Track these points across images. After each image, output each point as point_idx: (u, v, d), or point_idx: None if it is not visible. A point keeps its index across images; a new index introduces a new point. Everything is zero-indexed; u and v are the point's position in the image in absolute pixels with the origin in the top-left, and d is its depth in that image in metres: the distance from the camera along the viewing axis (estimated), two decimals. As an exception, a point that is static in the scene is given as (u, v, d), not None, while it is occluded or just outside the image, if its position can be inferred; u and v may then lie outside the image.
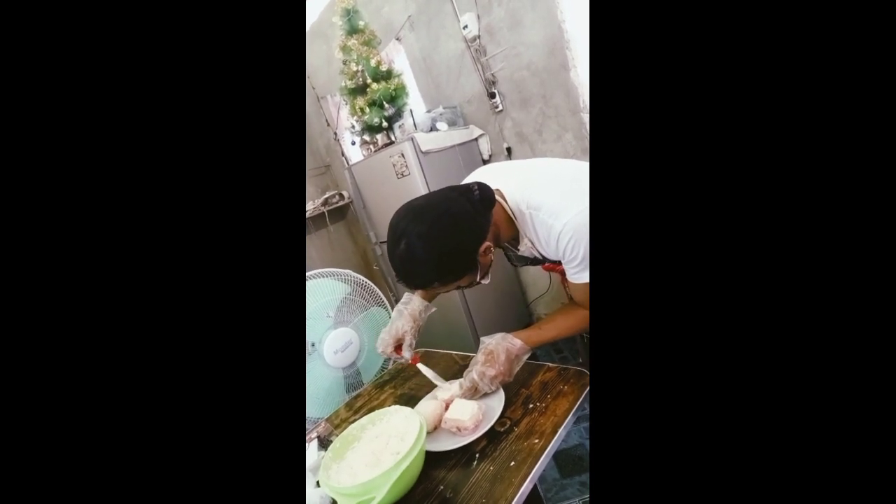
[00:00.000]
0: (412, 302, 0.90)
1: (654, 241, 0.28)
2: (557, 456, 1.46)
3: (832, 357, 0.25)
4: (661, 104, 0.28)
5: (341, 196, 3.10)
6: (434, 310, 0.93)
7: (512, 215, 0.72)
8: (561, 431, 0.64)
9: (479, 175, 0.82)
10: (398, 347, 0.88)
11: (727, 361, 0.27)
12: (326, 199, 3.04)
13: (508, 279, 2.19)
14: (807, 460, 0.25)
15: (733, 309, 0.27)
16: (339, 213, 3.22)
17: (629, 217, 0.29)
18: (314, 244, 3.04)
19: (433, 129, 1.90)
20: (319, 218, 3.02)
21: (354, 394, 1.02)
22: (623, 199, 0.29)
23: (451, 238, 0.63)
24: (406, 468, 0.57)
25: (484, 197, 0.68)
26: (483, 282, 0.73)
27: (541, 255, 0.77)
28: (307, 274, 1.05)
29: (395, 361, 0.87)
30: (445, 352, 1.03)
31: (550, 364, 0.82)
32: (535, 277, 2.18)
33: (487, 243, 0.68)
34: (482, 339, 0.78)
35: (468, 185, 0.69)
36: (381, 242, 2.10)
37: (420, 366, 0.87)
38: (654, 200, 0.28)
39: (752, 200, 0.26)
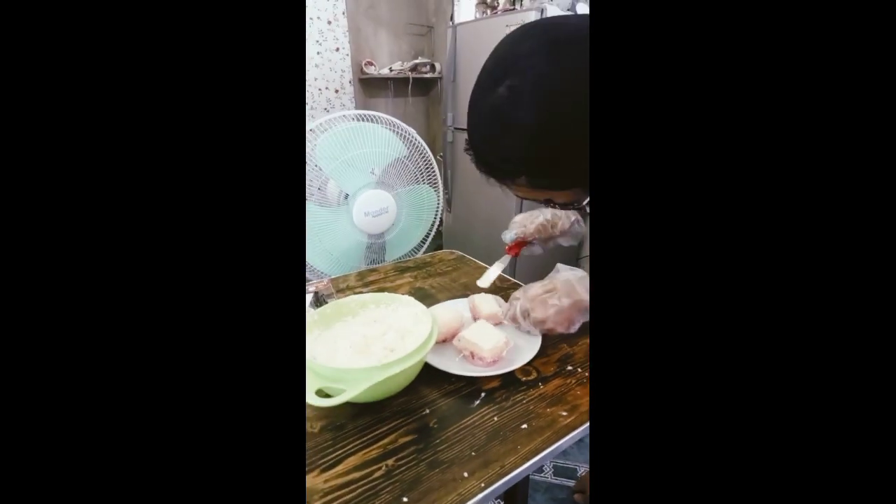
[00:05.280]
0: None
1: (657, 242, 0.25)
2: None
3: (835, 376, 0.23)
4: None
5: (433, 68, 2.76)
6: (540, 252, 0.80)
7: None
8: (600, 417, 0.47)
9: None
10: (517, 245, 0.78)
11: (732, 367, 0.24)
12: (416, 66, 2.72)
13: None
14: (805, 466, 0.23)
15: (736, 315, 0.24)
16: (425, 86, 2.91)
17: (631, 215, 0.26)
18: (387, 107, 2.82)
19: (571, 10, 1.49)
20: (402, 83, 2.74)
21: (370, 267, 0.90)
22: (625, 198, 0.26)
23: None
24: (394, 375, 0.44)
25: None
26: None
27: None
28: (362, 112, 0.87)
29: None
30: (484, 266, 0.87)
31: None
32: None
33: None
34: (559, 266, 0.60)
35: None
36: (458, 128, 1.85)
37: (506, 259, 0.77)
38: (659, 196, 0.25)
39: (754, 201, 0.24)
